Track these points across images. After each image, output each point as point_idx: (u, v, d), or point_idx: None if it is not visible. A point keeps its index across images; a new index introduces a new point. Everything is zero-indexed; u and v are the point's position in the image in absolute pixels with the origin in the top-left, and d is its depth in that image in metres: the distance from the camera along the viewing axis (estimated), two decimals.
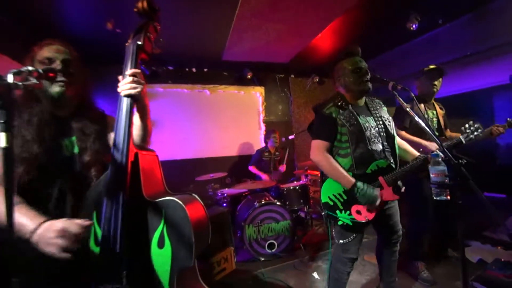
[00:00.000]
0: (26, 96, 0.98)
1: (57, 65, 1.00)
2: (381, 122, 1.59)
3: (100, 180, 0.95)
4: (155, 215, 0.88)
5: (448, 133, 2.27)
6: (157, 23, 1.07)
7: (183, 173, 3.77)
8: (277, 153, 3.95)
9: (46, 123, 0.98)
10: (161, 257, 0.87)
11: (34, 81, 0.75)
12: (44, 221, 0.82)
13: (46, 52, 1.00)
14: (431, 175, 1.26)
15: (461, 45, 3.54)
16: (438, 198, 1.27)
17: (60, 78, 0.98)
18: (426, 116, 2.12)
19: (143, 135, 1.05)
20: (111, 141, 1.10)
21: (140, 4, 0.98)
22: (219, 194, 3.20)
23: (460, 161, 1.19)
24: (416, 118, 1.40)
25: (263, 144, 4.28)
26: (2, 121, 0.64)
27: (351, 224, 1.46)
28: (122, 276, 0.84)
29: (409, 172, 1.46)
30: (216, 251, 2.42)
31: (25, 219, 0.82)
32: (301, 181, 3.39)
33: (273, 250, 2.69)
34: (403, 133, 2.10)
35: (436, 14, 2.96)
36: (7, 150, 0.65)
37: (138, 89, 0.93)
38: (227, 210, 2.75)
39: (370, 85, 1.53)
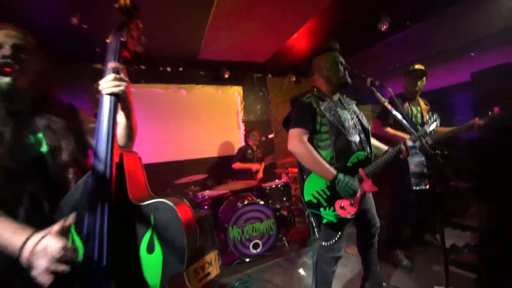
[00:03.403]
0: None
1: (6, 50, 0.85)
2: (355, 116, 1.63)
3: (78, 185, 0.85)
4: (142, 219, 0.83)
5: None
6: (139, 20, 1.01)
7: (161, 177, 3.60)
8: (258, 150, 3.94)
9: (2, 120, 0.84)
10: (151, 263, 0.82)
11: None
12: (30, 236, 0.72)
13: None
14: (410, 166, 1.32)
15: (428, 45, 3.79)
16: (417, 188, 1.33)
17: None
18: (409, 112, 2.22)
19: (128, 134, 1.03)
20: (89, 140, 1.02)
21: (122, 1, 0.94)
22: (200, 197, 3.11)
23: (437, 151, 1.25)
24: (394, 112, 1.45)
25: (243, 143, 4.24)
26: None
27: (335, 221, 1.44)
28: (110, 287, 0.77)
29: (386, 162, 1.48)
30: (200, 255, 2.34)
31: (8, 234, 0.72)
32: (282, 179, 3.40)
33: (258, 250, 2.66)
34: (388, 129, 2.18)
35: (404, 16, 3.13)
36: None
37: (122, 87, 0.88)
38: (209, 212, 2.67)
39: (350, 80, 1.56)
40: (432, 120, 1.62)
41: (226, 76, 4.24)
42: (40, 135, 0.91)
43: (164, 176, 3.65)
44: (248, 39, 3.35)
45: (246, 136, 3.97)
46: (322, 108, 1.49)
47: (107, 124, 0.85)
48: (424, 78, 2.26)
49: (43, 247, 0.69)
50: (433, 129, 1.64)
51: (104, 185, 0.81)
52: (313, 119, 1.48)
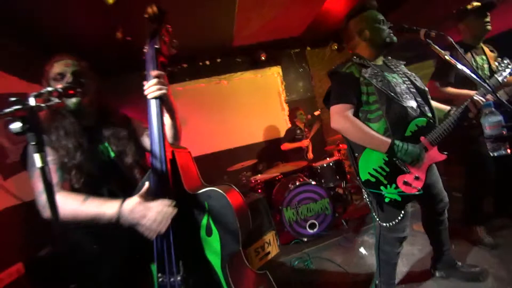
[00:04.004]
0: (52, 113, 1.05)
1: (68, 78, 1.04)
2: (406, 78, 1.41)
3: (143, 182, 1.00)
4: (198, 206, 0.95)
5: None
6: (168, 25, 1.10)
7: (215, 166, 3.84)
8: (306, 130, 3.82)
9: (79, 133, 1.05)
10: (211, 244, 0.95)
11: (56, 100, 0.77)
12: (122, 202, 0.90)
13: (56, 68, 1.05)
14: (485, 129, 1.10)
15: None
16: (496, 154, 1.11)
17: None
18: (474, 63, 1.81)
19: (174, 133, 1.15)
20: (144, 143, 1.21)
21: (150, 10, 1.03)
22: (253, 181, 3.22)
23: None
24: (459, 66, 1.21)
25: (289, 125, 4.17)
26: (33, 143, 0.67)
27: (399, 199, 1.29)
28: (179, 266, 0.92)
29: (452, 125, 1.25)
30: (258, 236, 2.46)
31: (102, 206, 0.91)
32: (334, 157, 3.27)
33: (315, 230, 2.66)
34: (449, 89, 1.80)
35: None
36: (42, 169, 0.68)
37: (164, 91, 0.99)
38: (263, 195, 2.76)
39: (395, 38, 1.36)
40: (503, 66, 1.30)
41: (263, 58, 4.16)
42: (108, 143, 1.11)
43: (217, 165, 3.88)
44: (278, 14, 3.19)
45: (292, 116, 3.87)
46: (366, 76, 1.32)
47: (157, 126, 0.97)
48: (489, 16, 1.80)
49: (147, 204, 0.88)
50: (506, 77, 1.31)
51: (162, 179, 0.94)
52: (357, 91, 1.33)
